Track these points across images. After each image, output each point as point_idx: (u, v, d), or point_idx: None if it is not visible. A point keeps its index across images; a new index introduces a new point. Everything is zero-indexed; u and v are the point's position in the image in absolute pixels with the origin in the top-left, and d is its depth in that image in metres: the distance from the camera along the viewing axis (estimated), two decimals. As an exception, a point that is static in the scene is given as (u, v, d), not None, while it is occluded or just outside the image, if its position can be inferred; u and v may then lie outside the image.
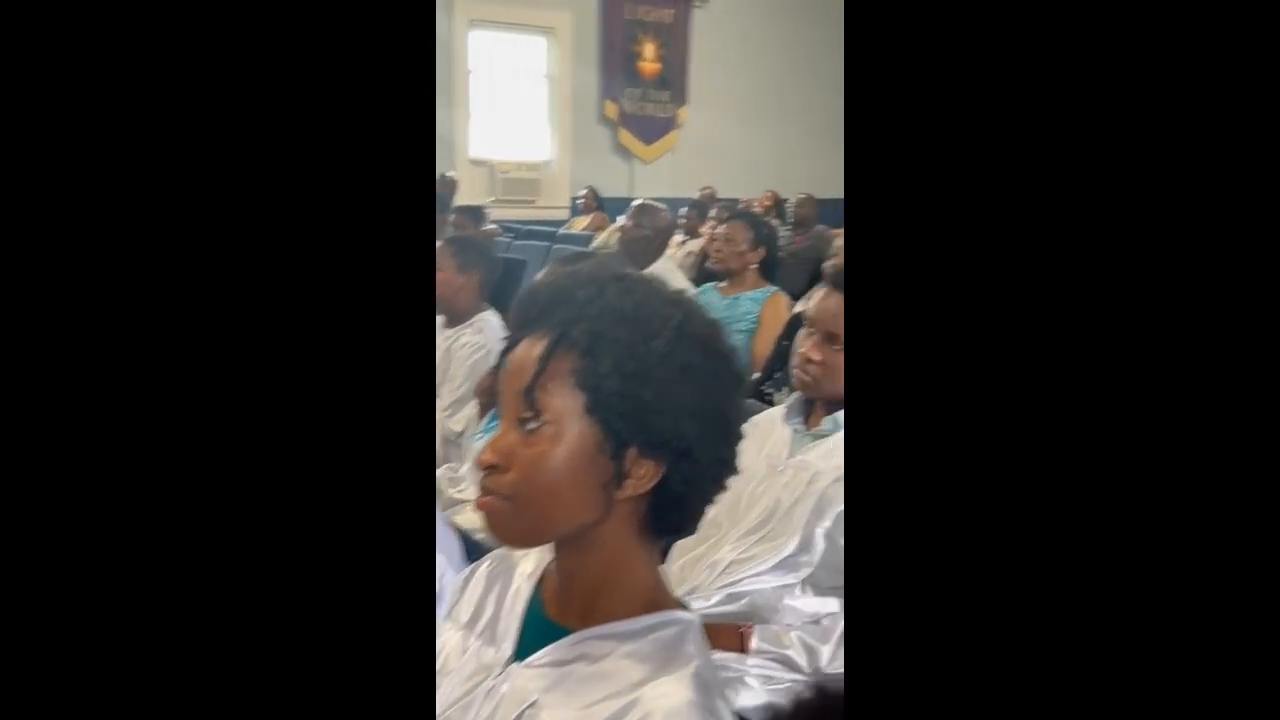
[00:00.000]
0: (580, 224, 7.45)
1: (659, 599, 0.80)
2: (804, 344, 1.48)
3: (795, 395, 1.55)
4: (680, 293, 0.81)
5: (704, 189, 7.80)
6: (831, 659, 1.31)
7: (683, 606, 0.81)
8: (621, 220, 3.34)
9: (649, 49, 8.85)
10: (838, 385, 1.46)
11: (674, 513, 0.79)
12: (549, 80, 8.53)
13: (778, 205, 7.21)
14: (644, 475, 0.76)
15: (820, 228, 5.91)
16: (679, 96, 9.02)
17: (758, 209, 7.53)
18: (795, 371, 1.50)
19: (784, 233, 6.12)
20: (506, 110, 8.41)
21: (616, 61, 8.70)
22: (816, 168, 9.36)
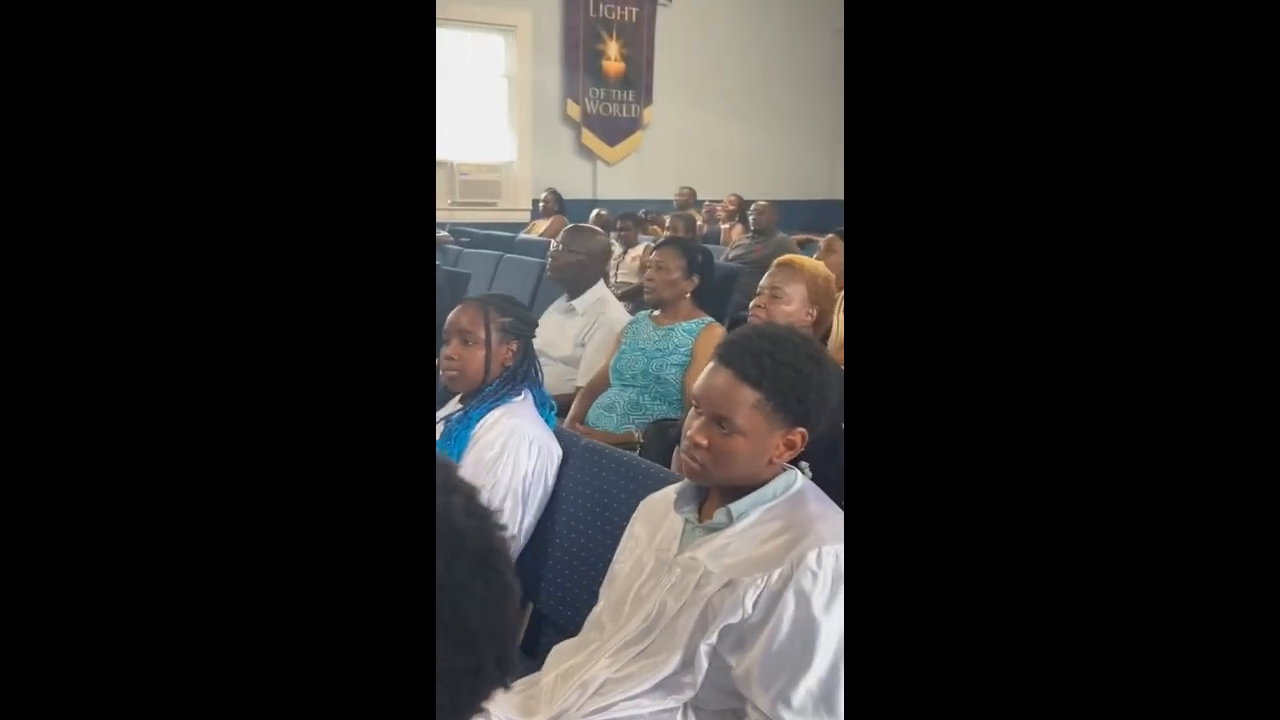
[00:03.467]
0: (540, 228, 7.25)
1: None
2: (690, 425, 1.29)
3: (685, 481, 1.36)
4: (458, 493, 0.65)
5: (682, 189, 7.62)
6: (712, 806, 1.12)
7: None
8: (553, 246, 3.13)
9: (613, 48, 8.63)
10: (729, 472, 1.27)
11: None
12: (509, 80, 8.30)
13: (742, 209, 7.03)
14: None
15: (780, 235, 5.73)
16: (643, 96, 8.80)
17: (721, 212, 7.38)
18: (682, 456, 1.30)
19: (745, 240, 5.95)
20: (466, 110, 8.18)
21: (579, 60, 8.48)
22: (782, 168, 9.22)
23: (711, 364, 1.28)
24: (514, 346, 1.92)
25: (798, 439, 1.26)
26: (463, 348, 1.88)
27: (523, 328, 1.94)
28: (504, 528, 0.71)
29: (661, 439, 2.45)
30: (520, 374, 1.92)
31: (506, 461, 1.79)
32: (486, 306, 1.92)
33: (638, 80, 8.76)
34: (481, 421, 1.85)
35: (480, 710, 0.65)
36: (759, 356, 1.24)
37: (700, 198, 7.74)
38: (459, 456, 1.81)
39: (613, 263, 5.24)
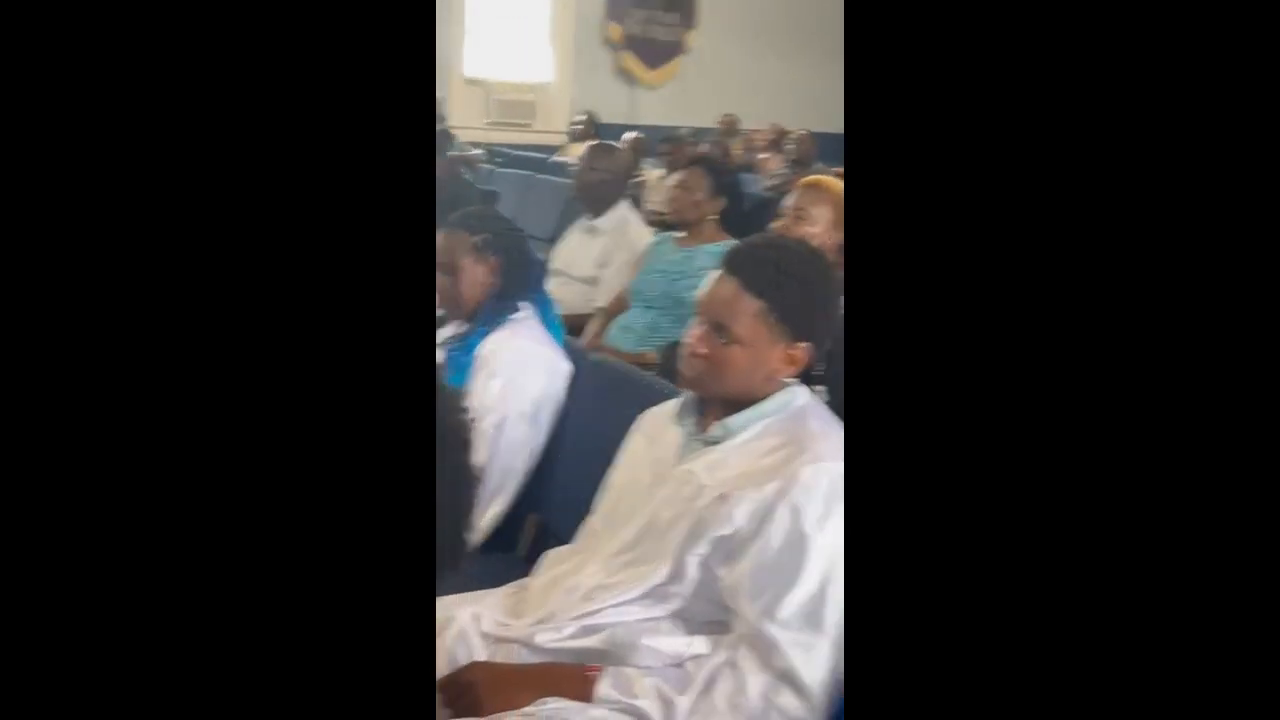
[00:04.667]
0: (575, 151, 7.15)
1: None
2: (691, 333, 1.26)
3: (688, 394, 1.34)
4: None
5: (725, 116, 7.45)
6: (691, 713, 1.12)
7: None
8: (575, 164, 3.08)
9: (657, -33, 8.41)
10: (725, 383, 1.24)
11: None
12: (550, -3, 8.14)
13: (781, 139, 6.87)
14: None
15: (819, 166, 5.60)
16: (687, 19, 8.59)
17: (760, 141, 7.23)
18: (680, 365, 1.28)
19: (782, 170, 5.83)
20: (504, 28, 8.04)
21: (622, -21, 8.28)
22: (825, 98, 8.99)
23: (719, 273, 1.25)
24: (493, 263, 1.82)
25: (800, 354, 1.23)
26: (444, 278, 1.80)
27: (499, 240, 1.83)
28: (464, 410, 0.69)
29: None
30: (511, 289, 1.83)
31: (516, 389, 1.75)
32: (453, 231, 1.82)
33: (681, 2, 8.54)
34: (482, 344, 1.79)
35: None
36: (765, 265, 1.20)
37: (742, 126, 7.58)
38: (462, 385, 1.77)
39: (649, 188, 5.16)
